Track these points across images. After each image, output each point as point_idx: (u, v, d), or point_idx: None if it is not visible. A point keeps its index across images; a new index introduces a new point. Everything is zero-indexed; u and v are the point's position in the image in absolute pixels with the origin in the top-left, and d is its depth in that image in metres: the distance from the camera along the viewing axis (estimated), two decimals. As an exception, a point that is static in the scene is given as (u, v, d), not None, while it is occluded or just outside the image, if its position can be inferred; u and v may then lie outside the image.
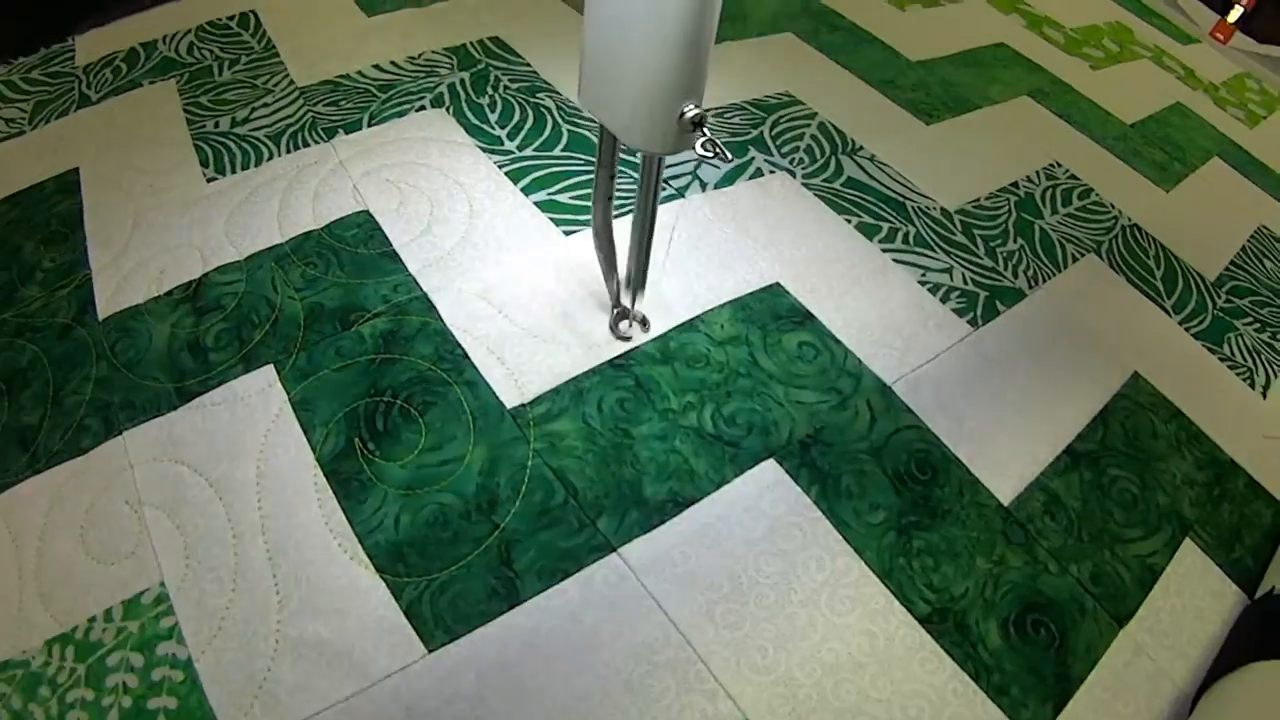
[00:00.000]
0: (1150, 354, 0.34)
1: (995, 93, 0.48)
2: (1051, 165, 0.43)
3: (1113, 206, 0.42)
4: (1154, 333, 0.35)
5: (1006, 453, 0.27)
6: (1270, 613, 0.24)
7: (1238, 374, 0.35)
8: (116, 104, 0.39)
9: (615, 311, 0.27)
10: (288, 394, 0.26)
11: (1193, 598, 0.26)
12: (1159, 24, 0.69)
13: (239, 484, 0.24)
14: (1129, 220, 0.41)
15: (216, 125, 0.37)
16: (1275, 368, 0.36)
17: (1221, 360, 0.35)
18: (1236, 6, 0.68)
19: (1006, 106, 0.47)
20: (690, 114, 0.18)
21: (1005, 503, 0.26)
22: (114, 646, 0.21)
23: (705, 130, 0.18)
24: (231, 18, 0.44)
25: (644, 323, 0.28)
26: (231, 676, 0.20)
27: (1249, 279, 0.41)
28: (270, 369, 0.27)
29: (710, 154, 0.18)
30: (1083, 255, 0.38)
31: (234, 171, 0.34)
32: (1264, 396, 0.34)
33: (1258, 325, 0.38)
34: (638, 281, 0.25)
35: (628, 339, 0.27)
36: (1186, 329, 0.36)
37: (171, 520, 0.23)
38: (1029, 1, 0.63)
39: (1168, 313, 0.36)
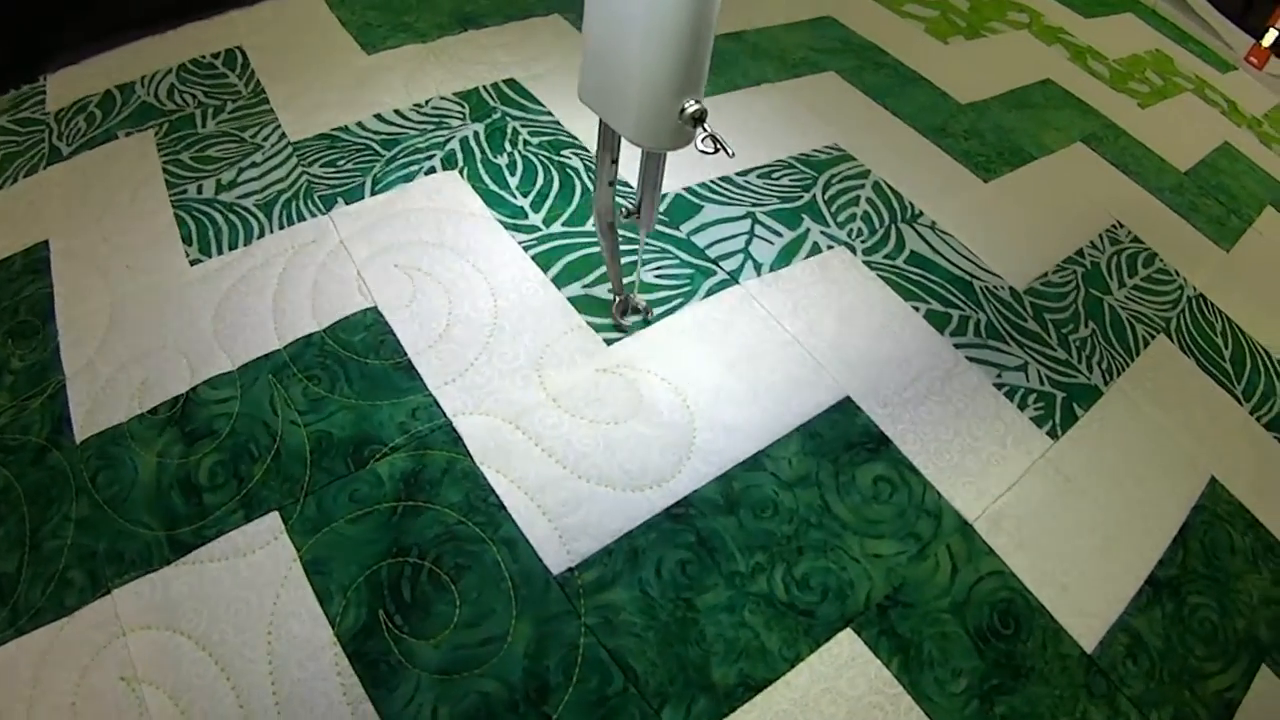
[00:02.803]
0: (1225, 453, 0.28)
1: (1049, 139, 0.40)
2: (1114, 226, 0.36)
3: (1177, 274, 0.35)
4: (1227, 426, 0.29)
5: (1089, 591, 0.22)
6: None
7: (1306, 464, 0.30)
8: (89, 160, 0.30)
9: (617, 301, 0.25)
10: (297, 551, 0.20)
11: (1271, 731, 0.22)
12: (1196, 49, 0.58)
13: (249, 663, 0.18)
14: (1194, 290, 0.34)
15: (200, 190, 0.28)
16: (1341, 453, 0.31)
17: (1289, 450, 0.30)
18: (1271, 30, 0.58)
19: (1062, 156, 0.39)
20: (690, 110, 0.16)
21: (1089, 650, 0.21)
22: None
23: (706, 126, 0.17)
24: (216, 55, 0.34)
25: (645, 312, 0.25)
26: None
27: (1311, 350, 0.36)
28: (275, 517, 0.20)
29: (711, 150, 0.16)
30: (1153, 337, 0.31)
31: (220, 251, 0.26)
32: (1332, 490, 0.30)
33: (1321, 403, 0.33)
34: (637, 275, 0.23)
35: (625, 329, 0.24)
36: (1258, 418, 0.30)
37: (175, 704, 0.17)
38: (1070, 31, 0.53)
39: (1239, 401, 0.30)
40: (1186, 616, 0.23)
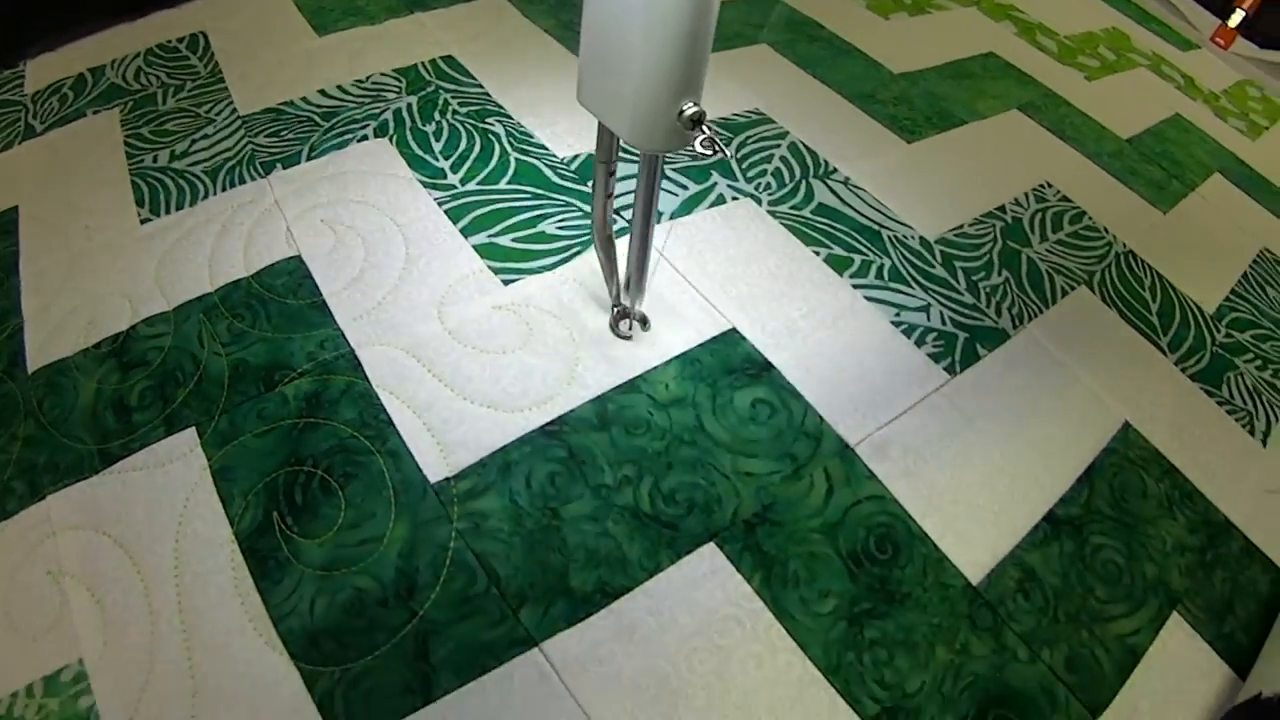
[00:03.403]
0: (1143, 401, 0.29)
1: (983, 107, 0.42)
2: (1042, 186, 0.38)
3: (1106, 231, 0.37)
4: (1148, 376, 0.30)
5: (979, 523, 0.24)
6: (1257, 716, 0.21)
7: (1237, 419, 0.30)
8: (60, 136, 0.35)
9: (615, 311, 0.26)
10: (208, 460, 0.23)
11: (1178, 681, 0.22)
12: (1159, 29, 0.61)
13: (157, 558, 0.21)
14: (1124, 247, 0.36)
15: (155, 159, 0.33)
16: (1276, 410, 0.31)
17: (1220, 404, 0.30)
18: (1238, 10, 0.60)
19: (995, 121, 0.41)
20: (689, 112, 0.17)
21: (974, 582, 0.22)
22: None
23: (705, 128, 0.18)
24: (181, 40, 0.39)
25: (644, 322, 0.26)
26: None
27: (1250, 309, 0.36)
28: (192, 432, 0.23)
29: (710, 152, 0.17)
30: (1073, 288, 0.33)
31: (168, 211, 0.30)
32: (1264, 444, 0.29)
33: (1259, 362, 0.33)
34: (638, 281, 0.24)
35: (628, 338, 0.26)
36: (1183, 369, 0.31)
37: (92, 594, 0.20)
38: (1021, 8, 0.55)
39: (1163, 352, 0.31)
40: (1088, 557, 0.24)
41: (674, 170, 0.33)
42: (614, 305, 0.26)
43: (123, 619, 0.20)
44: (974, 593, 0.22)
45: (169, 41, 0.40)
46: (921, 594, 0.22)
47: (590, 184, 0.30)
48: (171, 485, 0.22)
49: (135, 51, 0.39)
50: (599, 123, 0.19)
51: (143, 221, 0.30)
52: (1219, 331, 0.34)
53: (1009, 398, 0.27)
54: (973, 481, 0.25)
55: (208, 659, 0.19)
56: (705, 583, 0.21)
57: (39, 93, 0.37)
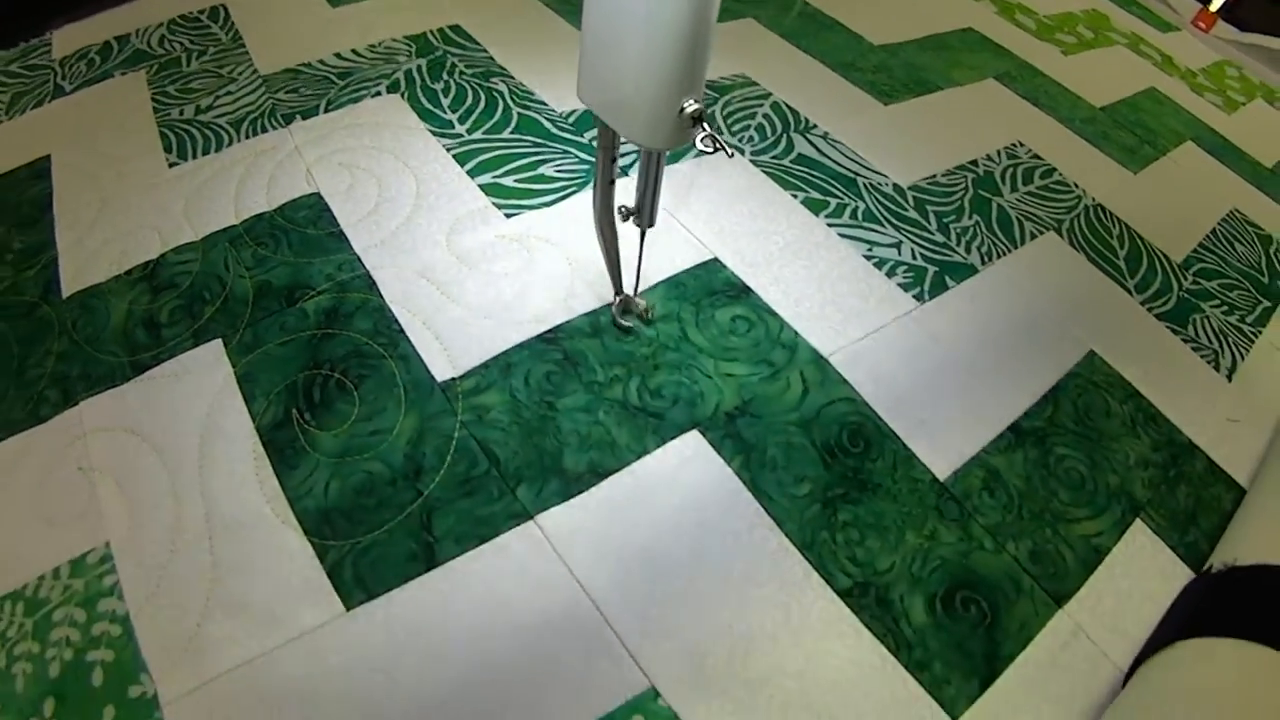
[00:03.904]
0: (1108, 333, 0.32)
1: (959, 75, 0.47)
2: (1014, 145, 0.42)
3: (1076, 186, 0.41)
4: (1114, 312, 0.34)
5: (945, 429, 0.27)
6: (1206, 589, 0.23)
7: (1202, 356, 0.33)
8: (88, 94, 0.39)
9: (618, 301, 0.27)
10: (233, 366, 0.26)
11: (1140, 579, 0.25)
12: (1138, 12, 0.66)
13: (182, 451, 0.24)
14: (1093, 200, 0.40)
15: (181, 113, 0.37)
16: (1242, 350, 0.34)
17: (1185, 341, 0.34)
18: None
19: (970, 88, 0.46)
20: (690, 109, 0.18)
21: (941, 478, 0.25)
22: (60, 603, 0.21)
23: (705, 125, 0.18)
24: (203, 11, 0.44)
25: (647, 313, 0.27)
26: (165, 631, 0.21)
27: (1218, 261, 0.40)
28: (218, 343, 0.27)
29: (711, 149, 0.18)
30: (1042, 233, 0.37)
31: (195, 157, 0.34)
32: (1229, 379, 0.33)
33: (1226, 308, 0.37)
34: (638, 273, 0.25)
35: (629, 329, 0.27)
36: (1149, 309, 0.35)
37: (119, 485, 0.24)
38: None
39: (1129, 292, 0.35)
40: (1052, 465, 0.27)
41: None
42: (616, 296, 0.27)
43: (148, 505, 0.23)
44: (941, 487, 0.25)
45: (191, 12, 0.45)
46: (891, 485, 0.25)
47: (595, 171, 0.29)
48: (198, 389, 0.26)
49: (159, 21, 0.44)
50: (600, 120, 0.20)
51: (170, 165, 0.34)
52: (1186, 279, 0.37)
53: (975, 324, 0.31)
54: (939, 392, 0.28)
55: (227, 537, 0.22)
56: (688, 465, 0.24)
57: (66, 58, 0.42)
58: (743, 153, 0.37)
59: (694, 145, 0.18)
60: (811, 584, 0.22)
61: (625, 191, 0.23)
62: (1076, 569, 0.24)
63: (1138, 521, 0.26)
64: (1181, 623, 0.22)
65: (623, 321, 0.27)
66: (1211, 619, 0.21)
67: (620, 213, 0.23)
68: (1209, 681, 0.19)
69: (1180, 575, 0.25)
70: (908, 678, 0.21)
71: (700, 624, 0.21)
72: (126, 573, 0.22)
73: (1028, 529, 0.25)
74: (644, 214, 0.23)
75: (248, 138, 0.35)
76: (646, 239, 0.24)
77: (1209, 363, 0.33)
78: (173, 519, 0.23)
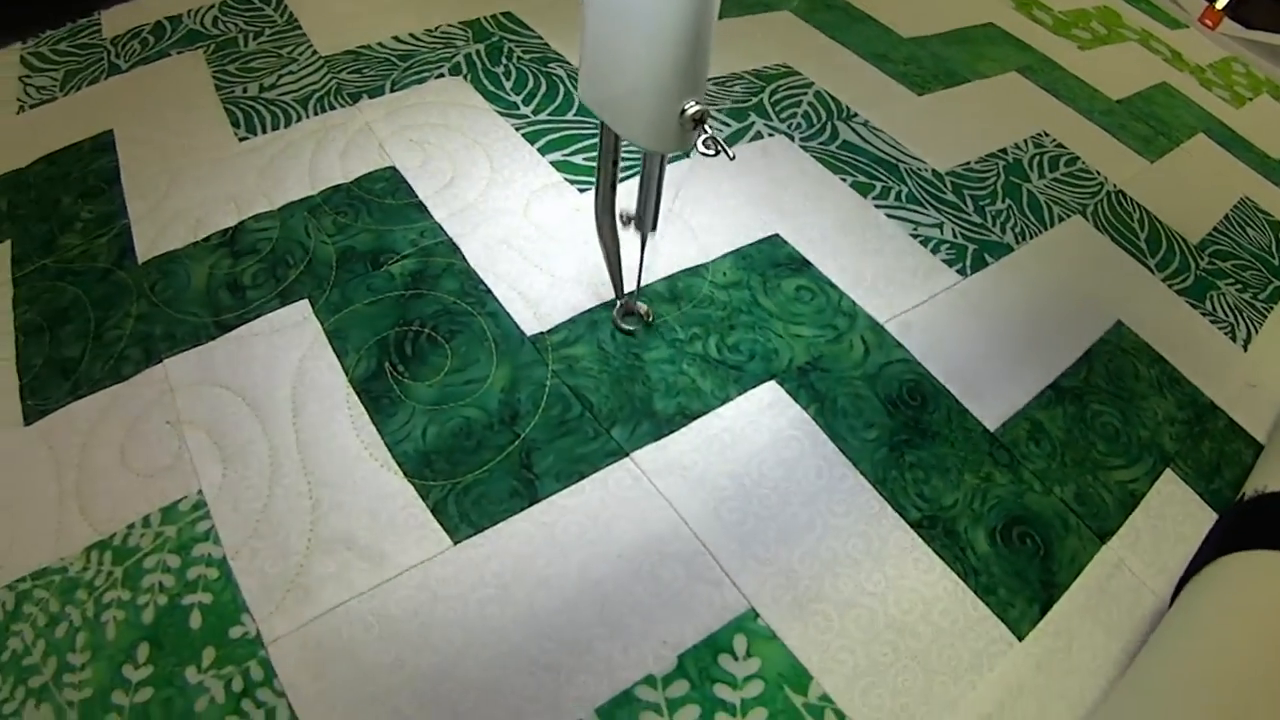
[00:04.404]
0: (1133, 305, 0.37)
1: (985, 68, 0.52)
2: (1039, 134, 0.47)
3: (1098, 173, 0.46)
4: (1137, 287, 0.38)
5: (992, 387, 0.31)
6: (1240, 513, 0.27)
7: (1219, 328, 0.38)
8: (146, 72, 0.43)
9: (620, 305, 0.29)
10: (322, 324, 0.29)
11: (1173, 522, 0.29)
12: (1146, 9, 0.73)
13: (275, 402, 0.27)
14: (1114, 186, 0.45)
15: (245, 90, 0.40)
16: (1256, 324, 0.39)
17: (1203, 314, 0.38)
18: None
19: (995, 81, 0.51)
20: (691, 111, 0.19)
21: (991, 429, 0.29)
22: (151, 550, 0.24)
23: (707, 128, 0.19)
24: (254, -6, 0.49)
25: (647, 316, 0.29)
26: (265, 571, 0.23)
27: (1231, 244, 0.45)
28: (305, 303, 0.30)
29: (712, 152, 0.19)
30: (1069, 216, 0.41)
31: (264, 132, 0.38)
32: (1245, 349, 0.37)
33: (1239, 286, 0.41)
34: (639, 275, 0.26)
35: (631, 333, 0.29)
36: (1170, 285, 0.39)
37: (210, 436, 0.26)
38: None
39: (1151, 270, 0.40)
40: (1089, 419, 0.31)
41: (717, 111, 0.42)
42: (617, 298, 0.28)
43: (241, 453, 0.26)
44: (992, 437, 0.29)
45: (242, -4, 0.49)
46: (948, 433, 0.29)
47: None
48: (288, 345, 0.29)
49: (209, 4, 0.48)
50: (601, 121, 0.21)
51: (240, 139, 0.37)
52: (1202, 259, 0.42)
53: (1013, 296, 0.35)
54: (985, 355, 0.32)
55: (325, 481, 0.25)
56: (769, 410, 0.27)
57: (118, 37, 0.45)
58: (791, 139, 0.41)
59: (697, 148, 0.19)
60: (886, 516, 0.26)
61: (629, 195, 0.23)
62: (1116, 510, 0.28)
63: (1168, 471, 0.30)
64: (1221, 543, 0.25)
65: (623, 325, 0.29)
66: (1249, 536, 0.24)
67: (621, 219, 0.25)
68: (1252, 589, 0.22)
69: (1207, 519, 0.29)
70: (977, 601, 0.24)
71: (790, 549, 0.24)
72: (222, 517, 0.24)
73: (1071, 474, 0.29)
74: (644, 221, 0.24)
75: (316, 114, 0.38)
76: (714, 213, 0.27)
77: (1226, 334, 0.38)
78: (267, 465, 0.25)
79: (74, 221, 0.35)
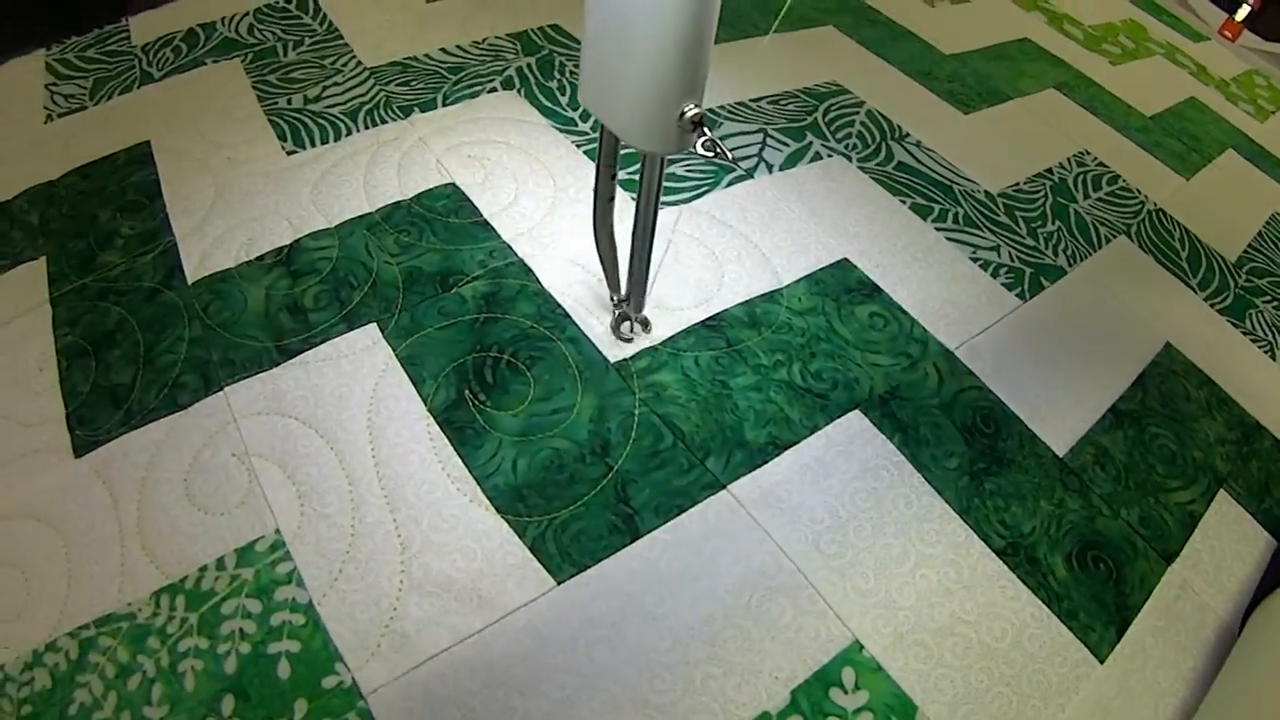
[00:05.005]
0: (1180, 327, 0.39)
1: (1025, 85, 0.54)
2: (1081, 153, 0.49)
3: (1139, 192, 0.48)
4: (1182, 308, 0.40)
5: (1058, 411, 0.32)
6: None
7: (1259, 347, 0.40)
8: (182, 81, 0.42)
9: (617, 313, 0.29)
10: (393, 350, 0.29)
11: (1229, 541, 0.30)
12: (1170, 21, 0.77)
13: (350, 435, 0.27)
14: (1154, 205, 0.47)
15: (289, 102, 0.40)
16: (1292, 343, 0.42)
17: (1244, 334, 0.40)
18: (1244, 5, 0.76)
19: (1036, 98, 0.53)
20: (690, 114, 0.19)
21: (1060, 454, 0.31)
22: (228, 594, 0.23)
23: (706, 130, 0.19)
24: (289, 1, 0.48)
25: (645, 324, 0.29)
26: (356, 617, 0.22)
27: (1266, 260, 0.47)
28: (374, 327, 0.30)
29: (712, 154, 0.19)
30: (1114, 237, 0.43)
31: (313, 145, 0.37)
32: (1283, 368, 0.40)
33: (1276, 304, 0.44)
34: (640, 284, 0.27)
35: (629, 340, 0.29)
36: (1212, 305, 0.41)
37: (283, 470, 0.26)
38: (1049, 0, 0.71)
39: (1194, 290, 0.42)
40: (1148, 441, 0.33)
41: (774, 130, 0.43)
42: (615, 307, 0.28)
43: (319, 489, 0.25)
44: (1061, 463, 0.30)
45: (275, 2, 0.47)
46: (1022, 460, 0.30)
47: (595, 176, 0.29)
48: (358, 373, 0.29)
49: (243, 11, 0.47)
50: (601, 125, 0.21)
51: (289, 153, 0.37)
52: (1240, 277, 0.44)
53: (1071, 320, 0.37)
54: (1048, 380, 0.33)
55: (413, 518, 0.25)
56: (856, 440, 0.28)
57: (149, 45, 0.44)
58: (849, 159, 0.42)
59: (695, 150, 0.19)
60: (974, 544, 0.27)
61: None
62: (1178, 532, 0.30)
63: (1221, 491, 0.32)
64: None
65: (620, 332, 0.29)
66: None
67: (613, 301, 0.26)
68: None
69: (1261, 539, 0.31)
70: (1060, 626, 0.25)
71: (889, 580, 0.25)
72: (304, 558, 0.24)
73: (1134, 497, 0.30)
74: (632, 303, 0.26)
75: (366, 128, 0.38)
76: (783, 237, 0.28)
77: (1265, 353, 0.40)
78: (348, 502, 0.25)
79: (114, 238, 0.34)
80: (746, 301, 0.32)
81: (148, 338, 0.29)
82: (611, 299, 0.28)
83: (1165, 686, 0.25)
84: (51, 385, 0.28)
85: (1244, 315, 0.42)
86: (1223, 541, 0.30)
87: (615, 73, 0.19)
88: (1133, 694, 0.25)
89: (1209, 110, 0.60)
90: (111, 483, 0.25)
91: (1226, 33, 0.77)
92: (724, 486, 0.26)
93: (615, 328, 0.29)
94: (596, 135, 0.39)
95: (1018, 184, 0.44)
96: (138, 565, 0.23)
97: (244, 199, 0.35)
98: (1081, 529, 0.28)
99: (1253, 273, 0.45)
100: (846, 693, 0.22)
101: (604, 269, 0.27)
